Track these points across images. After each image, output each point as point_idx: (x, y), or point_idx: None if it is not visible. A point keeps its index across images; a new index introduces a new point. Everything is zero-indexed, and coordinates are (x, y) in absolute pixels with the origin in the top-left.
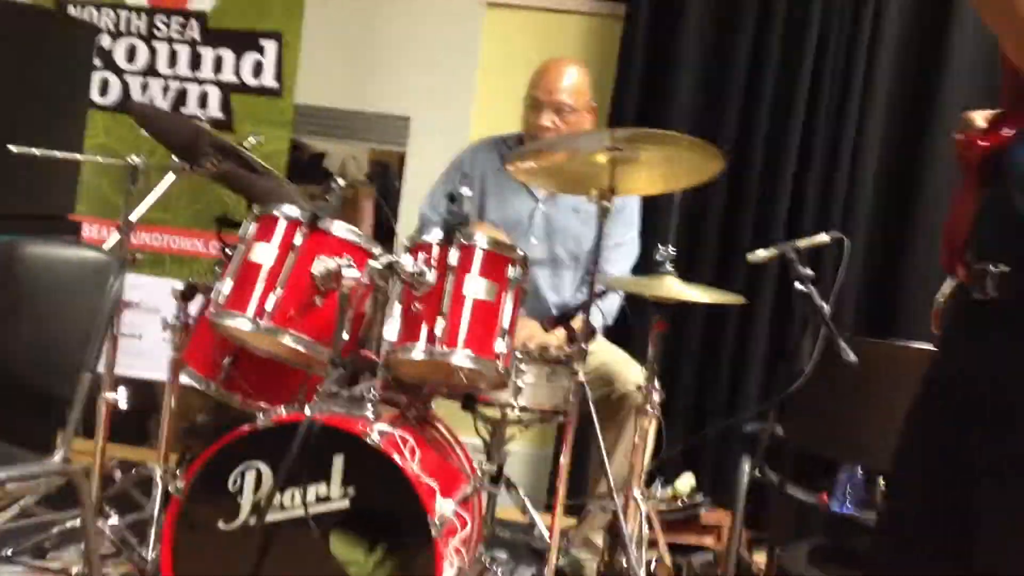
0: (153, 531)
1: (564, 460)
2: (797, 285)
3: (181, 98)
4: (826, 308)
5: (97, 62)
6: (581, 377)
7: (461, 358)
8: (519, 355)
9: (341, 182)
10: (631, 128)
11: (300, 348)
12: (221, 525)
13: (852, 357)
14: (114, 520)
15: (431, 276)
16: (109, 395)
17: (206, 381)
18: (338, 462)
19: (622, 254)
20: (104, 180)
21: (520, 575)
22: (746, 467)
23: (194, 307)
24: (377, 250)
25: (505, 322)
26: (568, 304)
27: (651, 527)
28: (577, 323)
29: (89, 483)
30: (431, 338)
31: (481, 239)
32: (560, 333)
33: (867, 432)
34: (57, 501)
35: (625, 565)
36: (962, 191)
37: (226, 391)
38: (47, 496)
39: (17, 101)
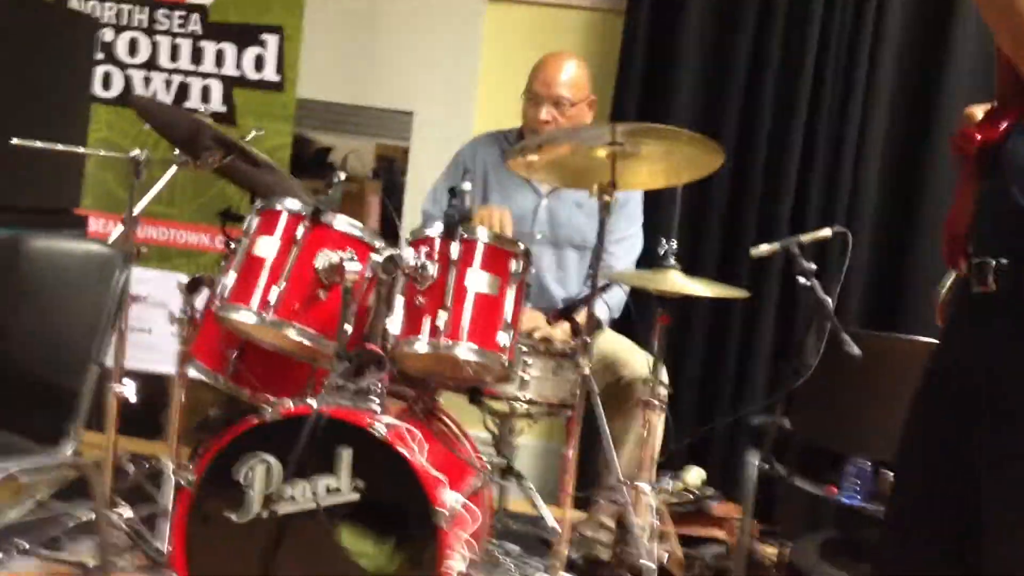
0: (166, 523)
1: (570, 453)
2: (800, 279)
3: (183, 92)
4: (830, 302)
5: (99, 56)
6: (586, 370)
7: (464, 351)
8: (524, 348)
9: (343, 176)
10: (632, 123)
11: (304, 341)
12: (232, 517)
13: (856, 351)
14: (128, 513)
15: (433, 270)
16: (118, 388)
17: (213, 374)
18: (346, 455)
19: (625, 248)
20: (109, 174)
21: (530, 567)
22: (754, 460)
23: (200, 300)
24: (379, 244)
25: (508, 315)
26: (572, 298)
27: (660, 519)
28: (581, 316)
29: (101, 476)
30: (434, 331)
31: (483, 233)
32: (564, 326)
33: (872, 424)
34: (71, 495)
35: (635, 557)
36: (961, 185)
37: (233, 384)
38: (61, 490)
39: (19, 95)
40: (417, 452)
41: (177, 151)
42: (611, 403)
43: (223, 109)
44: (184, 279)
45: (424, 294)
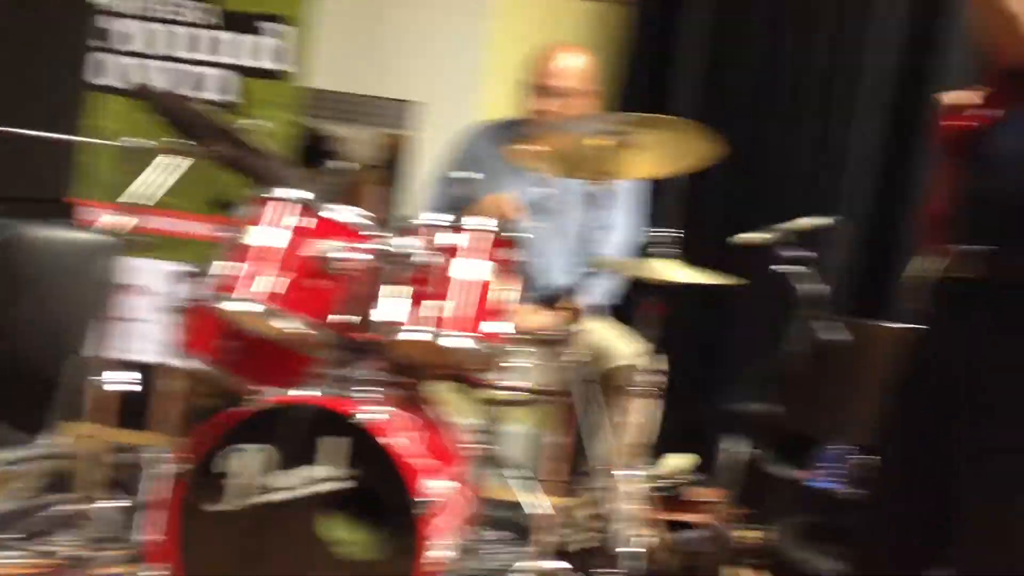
0: (148, 514)
1: (555, 439)
2: (784, 267)
3: (186, 80)
4: (815, 290)
5: (99, 43)
6: (575, 358)
7: (454, 339)
8: (512, 336)
9: (343, 165)
10: (629, 113)
11: (297, 330)
12: (217, 507)
13: (837, 337)
14: (110, 504)
15: (427, 258)
16: (106, 378)
17: (205, 364)
18: (330, 443)
19: (619, 237)
20: (104, 163)
21: (512, 553)
22: (737, 446)
23: (193, 290)
24: (375, 232)
25: (498, 304)
26: (565, 285)
27: (644, 504)
28: (570, 303)
29: (84, 466)
30: (426, 319)
31: (478, 222)
32: (553, 314)
33: (852, 411)
34: (55, 485)
35: (621, 543)
36: (941, 173)
37: (224, 374)
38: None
39: (11, 81)
40: (403, 440)
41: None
42: (603, 391)
43: (228, 98)
44: (177, 268)
45: (418, 282)
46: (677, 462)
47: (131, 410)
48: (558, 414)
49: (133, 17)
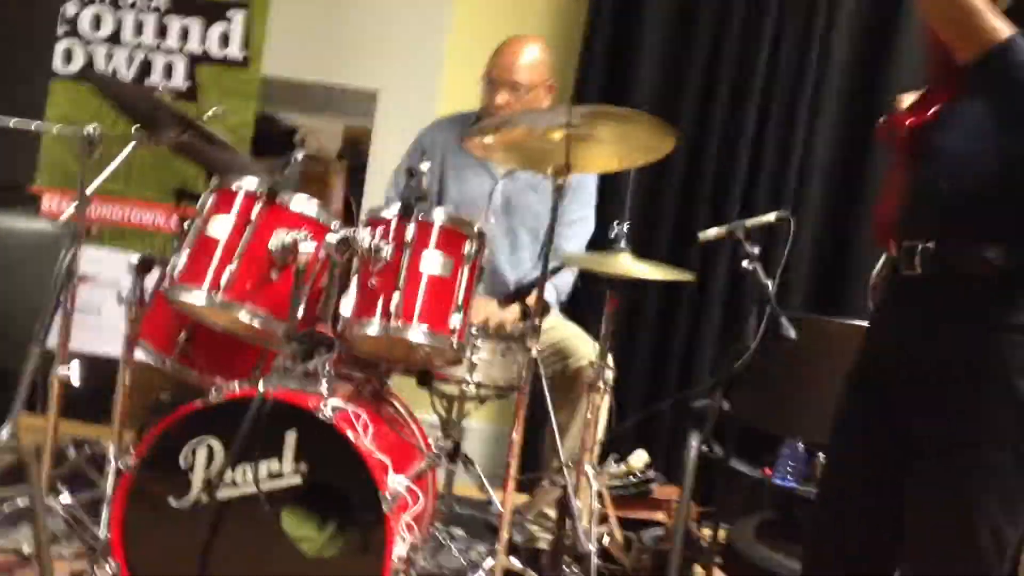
0: (105, 509)
1: (516, 436)
2: (744, 263)
3: (146, 68)
4: (769, 285)
5: (62, 30)
6: (534, 353)
7: (416, 334)
8: (474, 331)
9: (300, 155)
10: (587, 105)
11: (256, 323)
12: (172, 502)
13: (792, 333)
14: (66, 498)
15: (388, 251)
16: (62, 370)
17: (161, 357)
18: (290, 438)
19: (577, 231)
20: (67, 151)
21: (475, 551)
22: (693, 442)
23: (151, 281)
24: (335, 224)
25: (461, 298)
26: (524, 280)
27: (602, 502)
28: (531, 299)
29: (38, 460)
30: (386, 313)
31: (438, 214)
32: (515, 309)
33: (807, 407)
34: (8, 479)
35: (576, 540)
36: (890, 171)
37: (182, 366)
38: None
39: None
40: (363, 435)
41: (134, 128)
42: (559, 389)
43: (186, 86)
44: (136, 259)
45: (378, 275)
46: (635, 460)
47: (90, 403)
48: (518, 410)
49: (91, 2)
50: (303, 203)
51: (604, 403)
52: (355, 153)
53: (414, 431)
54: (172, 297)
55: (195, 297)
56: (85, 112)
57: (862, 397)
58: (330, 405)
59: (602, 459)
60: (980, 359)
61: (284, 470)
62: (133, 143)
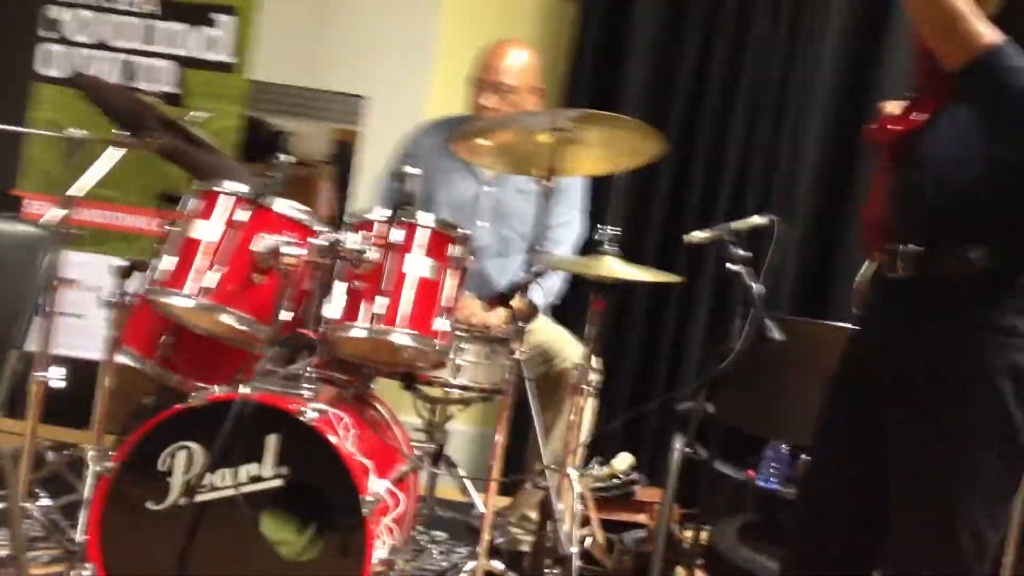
0: (84, 514)
1: (500, 438)
2: (729, 265)
3: (133, 72)
4: (755, 288)
5: (48, 34)
6: (518, 355)
7: (401, 336)
8: (459, 334)
9: (286, 159)
10: (574, 109)
11: (239, 326)
12: (151, 506)
13: (777, 336)
14: (45, 502)
15: (373, 254)
16: (41, 374)
17: (144, 360)
18: (272, 441)
19: (565, 234)
20: (51, 155)
21: (457, 554)
22: (677, 444)
23: (134, 285)
24: (319, 227)
25: (446, 301)
26: (512, 283)
27: (585, 504)
28: (517, 302)
29: (15, 464)
30: (371, 316)
31: (424, 218)
32: (501, 312)
33: (791, 410)
34: None
35: (558, 542)
36: (878, 175)
37: (164, 370)
38: None
39: None
40: (345, 438)
41: (121, 132)
42: (545, 391)
43: (174, 90)
44: (119, 263)
45: (363, 279)
46: (619, 462)
47: (71, 406)
48: (503, 413)
49: (73, 6)
50: (288, 207)
51: (588, 406)
52: (343, 158)
53: (397, 434)
54: (155, 300)
55: (178, 300)
56: (70, 116)
57: (846, 398)
58: (312, 408)
59: (587, 461)
60: (965, 360)
61: (265, 473)
62: (121, 150)
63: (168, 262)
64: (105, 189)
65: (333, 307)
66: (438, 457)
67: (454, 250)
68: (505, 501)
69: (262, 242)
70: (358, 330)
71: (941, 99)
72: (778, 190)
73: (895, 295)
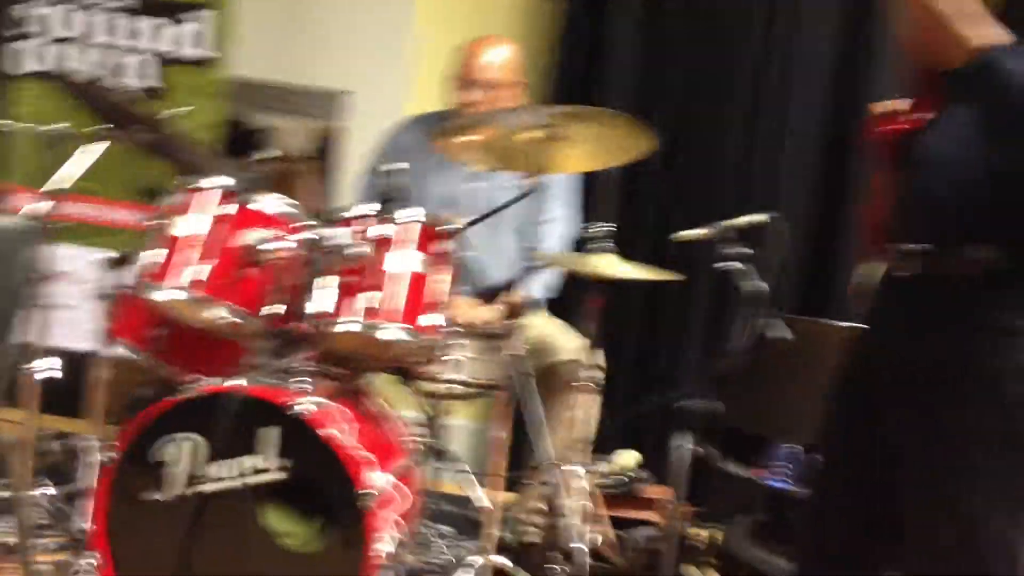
0: (88, 502)
1: (500, 433)
2: (727, 264)
3: (114, 67)
4: (757, 287)
5: (29, 29)
6: (515, 351)
7: (392, 331)
8: (455, 329)
9: (271, 154)
10: (561, 105)
11: (229, 319)
12: (152, 496)
13: (781, 335)
14: (49, 491)
15: (363, 249)
16: (38, 365)
17: (138, 352)
18: (272, 434)
19: (556, 229)
20: (38, 150)
21: (461, 548)
22: (684, 442)
23: (124, 278)
24: (308, 222)
25: (437, 296)
26: (502, 279)
27: (592, 501)
28: (510, 297)
29: (20, 454)
30: (362, 311)
31: (415, 213)
32: (492, 308)
33: (798, 409)
34: None
35: (566, 539)
36: (879, 176)
37: (158, 362)
38: None
39: None
40: (345, 432)
41: (103, 127)
42: (543, 385)
43: (154, 85)
44: (106, 256)
45: (354, 273)
46: (623, 459)
47: (65, 398)
48: (500, 408)
49: (58, 2)
50: (274, 201)
51: (592, 401)
52: (324, 153)
53: (396, 428)
54: (144, 294)
55: (168, 294)
56: (51, 111)
57: (850, 398)
58: (312, 401)
59: (591, 458)
60: (967, 360)
61: (266, 466)
62: (103, 144)
63: (157, 256)
64: (91, 183)
65: (323, 301)
66: (439, 451)
67: (444, 245)
68: (510, 496)
69: (250, 237)
70: (348, 324)
71: (938, 101)
72: (773, 186)
73: (898, 294)
